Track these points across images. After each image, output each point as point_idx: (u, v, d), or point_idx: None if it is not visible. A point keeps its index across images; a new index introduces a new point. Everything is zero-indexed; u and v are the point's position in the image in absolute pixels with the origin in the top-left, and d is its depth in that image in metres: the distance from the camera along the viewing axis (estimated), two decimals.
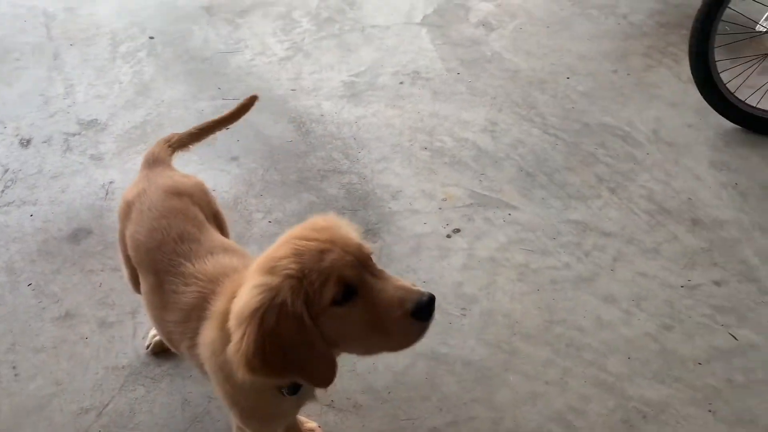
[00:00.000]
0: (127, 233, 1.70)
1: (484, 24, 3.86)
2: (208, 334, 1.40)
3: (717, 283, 2.40)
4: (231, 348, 1.22)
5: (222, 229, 1.84)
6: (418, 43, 3.71)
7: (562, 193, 2.77)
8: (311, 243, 1.23)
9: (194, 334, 1.46)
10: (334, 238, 1.25)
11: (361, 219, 2.64)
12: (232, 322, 1.23)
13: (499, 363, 2.16)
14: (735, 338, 2.22)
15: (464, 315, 2.31)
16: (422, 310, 1.23)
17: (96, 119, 3.15)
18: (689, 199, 2.72)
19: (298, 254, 1.22)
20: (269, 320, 1.16)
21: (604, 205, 2.71)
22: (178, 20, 3.89)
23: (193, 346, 1.48)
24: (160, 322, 1.61)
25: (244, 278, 1.30)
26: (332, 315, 1.22)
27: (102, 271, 2.43)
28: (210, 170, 2.85)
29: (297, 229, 1.30)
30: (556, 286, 2.40)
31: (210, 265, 1.53)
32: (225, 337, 1.27)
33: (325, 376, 1.27)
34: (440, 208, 2.71)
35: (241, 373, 1.22)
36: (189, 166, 2.68)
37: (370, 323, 1.23)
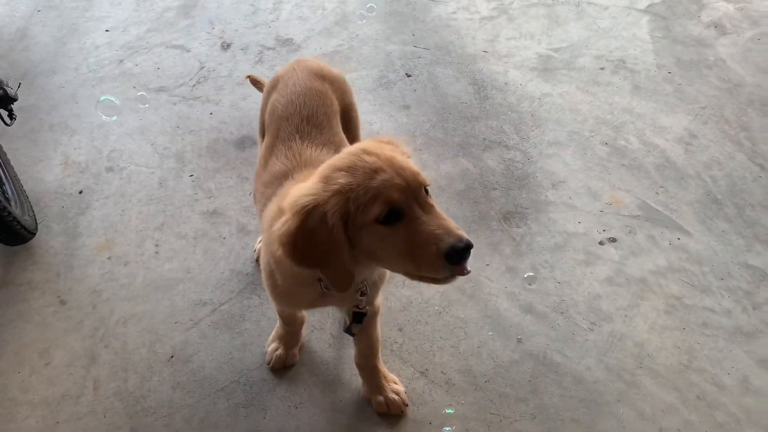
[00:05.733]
0: (270, 100, 1.88)
1: (717, 26, 3.41)
2: (272, 208, 1.54)
3: None
4: (275, 226, 1.36)
5: (351, 122, 1.96)
6: (634, 30, 3.38)
7: (749, 232, 2.41)
8: (370, 159, 1.31)
9: (268, 201, 1.62)
10: (392, 160, 1.31)
11: (511, 199, 2.50)
12: (284, 206, 1.37)
13: (614, 391, 1.96)
14: None
15: (591, 330, 2.11)
16: (454, 253, 1.26)
17: (292, 39, 3.26)
18: None
19: (352, 169, 1.30)
20: (309, 222, 1.29)
21: None
22: None
23: (263, 210, 1.64)
24: (257, 177, 1.80)
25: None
26: (373, 231, 1.29)
27: None
28: (380, 113, 2.84)
29: (365, 142, 1.40)
30: (706, 331, 2.11)
31: (312, 153, 1.67)
32: (279, 216, 1.39)
33: (340, 282, 1.37)
34: (601, 211, 2.48)
35: (276, 249, 1.36)
36: (361, 105, 2.68)
37: (405, 249, 1.29)
